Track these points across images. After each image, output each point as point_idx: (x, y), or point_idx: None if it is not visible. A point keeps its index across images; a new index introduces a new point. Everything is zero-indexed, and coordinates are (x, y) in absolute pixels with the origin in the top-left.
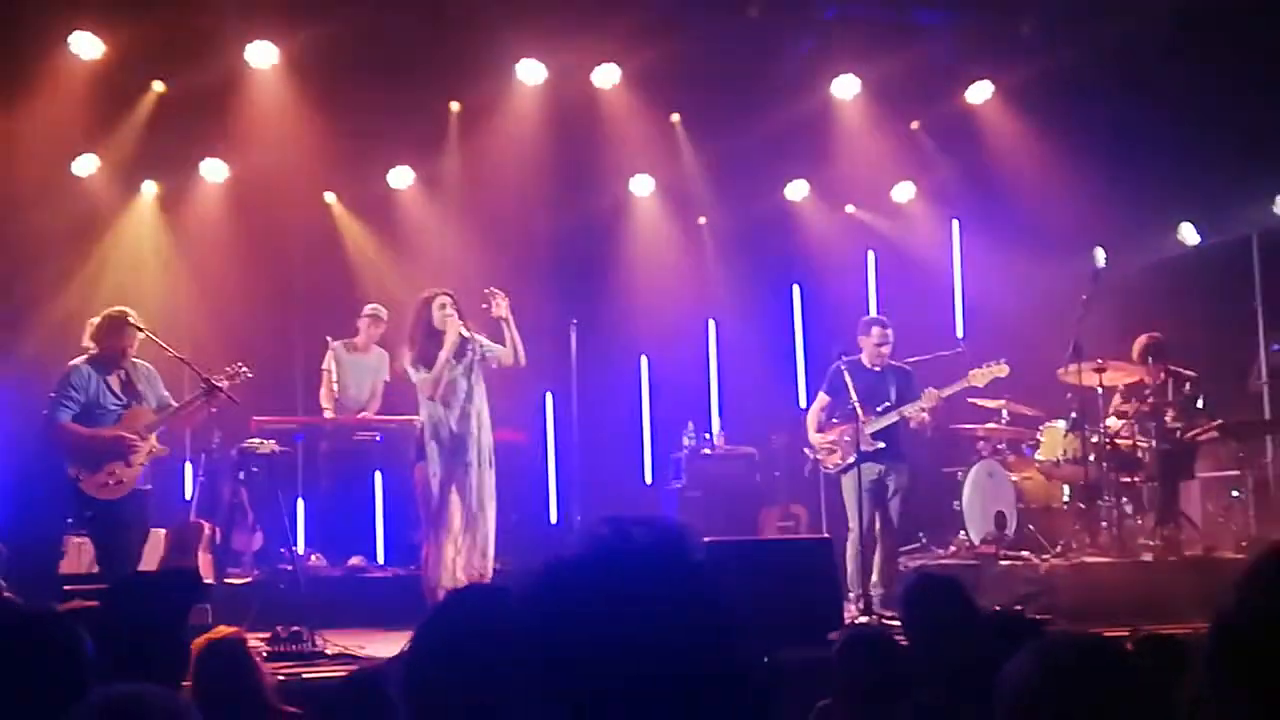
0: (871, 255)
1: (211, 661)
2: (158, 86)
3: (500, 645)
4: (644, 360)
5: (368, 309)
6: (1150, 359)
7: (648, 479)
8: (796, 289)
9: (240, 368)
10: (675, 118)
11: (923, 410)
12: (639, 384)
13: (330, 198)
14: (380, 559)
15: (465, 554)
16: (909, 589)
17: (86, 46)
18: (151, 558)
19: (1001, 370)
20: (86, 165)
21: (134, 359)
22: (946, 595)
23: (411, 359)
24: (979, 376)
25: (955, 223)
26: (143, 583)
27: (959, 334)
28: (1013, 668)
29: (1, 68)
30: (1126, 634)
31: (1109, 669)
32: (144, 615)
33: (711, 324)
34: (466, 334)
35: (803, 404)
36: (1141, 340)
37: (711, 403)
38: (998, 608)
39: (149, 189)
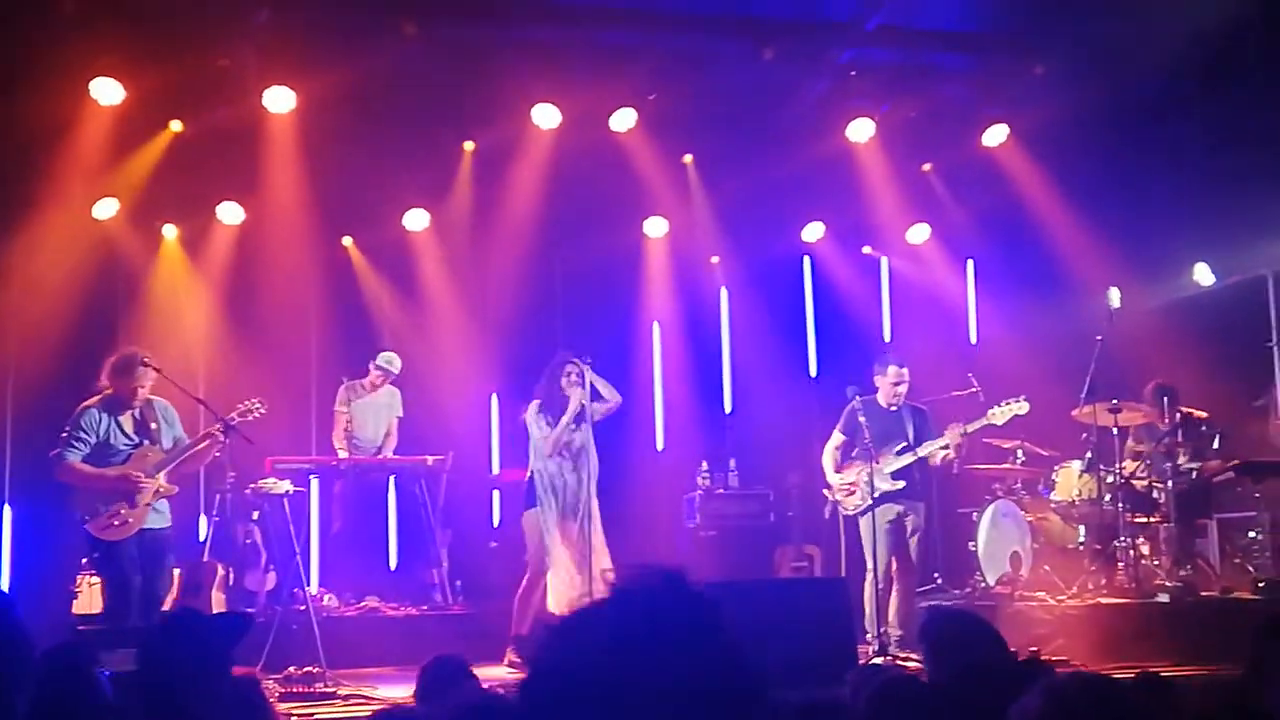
0: (885, 261)
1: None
2: (175, 126)
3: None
4: (656, 327)
5: (381, 360)
6: (1163, 401)
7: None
8: (807, 260)
9: (254, 403)
10: (688, 159)
11: (945, 448)
12: (650, 352)
13: (347, 241)
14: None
15: (585, 585)
16: (930, 625)
17: (107, 92)
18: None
19: (1022, 408)
20: (107, 209)
21: (152, 397)
22: (975, 633)
23: (537, 415)
24: (999, 414)
25: (970, 263)
26: (189, 624)
27: (971, 374)
28: (1022, 707)
29: (25, 114)
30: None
31: (1111, 710)
32: (187, 658)
33: (724, 292)
34: (587, 404)
35: (813, 372)
36: (1150, 386)
37: (723, 370)
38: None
39: (170, 232)
